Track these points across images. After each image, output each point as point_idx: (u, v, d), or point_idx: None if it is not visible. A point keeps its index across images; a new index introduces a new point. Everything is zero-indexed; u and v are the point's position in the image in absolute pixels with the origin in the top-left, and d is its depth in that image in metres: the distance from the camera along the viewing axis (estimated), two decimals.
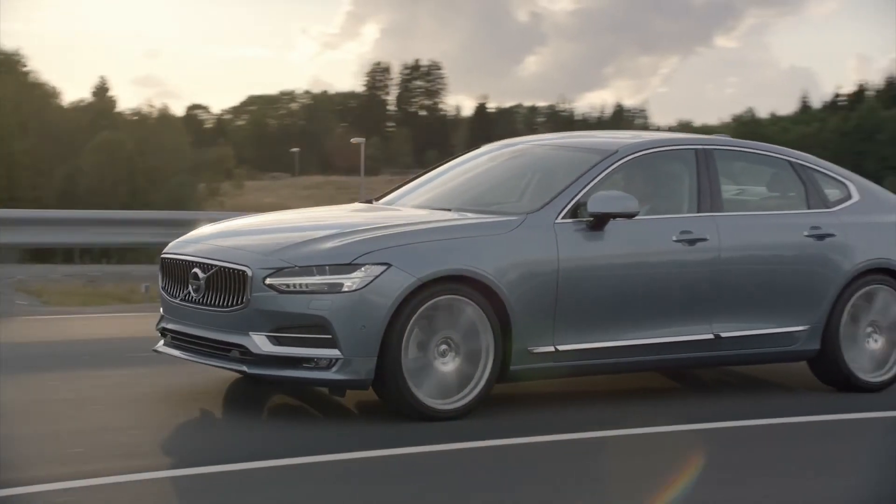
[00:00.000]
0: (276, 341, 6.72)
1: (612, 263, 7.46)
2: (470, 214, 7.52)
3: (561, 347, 7.25)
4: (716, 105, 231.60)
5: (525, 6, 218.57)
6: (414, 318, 6.75)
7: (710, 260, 7.80)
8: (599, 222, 7.38)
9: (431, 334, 6.85)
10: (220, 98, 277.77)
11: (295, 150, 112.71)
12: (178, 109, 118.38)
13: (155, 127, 79.14)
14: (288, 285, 6.70)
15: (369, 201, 8.76)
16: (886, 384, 8.41)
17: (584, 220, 7.37)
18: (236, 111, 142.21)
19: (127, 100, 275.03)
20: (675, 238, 7.70)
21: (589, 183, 7.53)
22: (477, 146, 9.05)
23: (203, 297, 7.02)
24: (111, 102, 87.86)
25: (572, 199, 7.43)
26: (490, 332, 6.98)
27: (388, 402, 6.90)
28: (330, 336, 6.64)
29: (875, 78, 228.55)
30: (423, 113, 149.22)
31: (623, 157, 7.78)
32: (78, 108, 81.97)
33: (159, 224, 14.58)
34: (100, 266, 34.05)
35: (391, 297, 6.67)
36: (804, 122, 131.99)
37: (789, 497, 5.69)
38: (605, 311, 7.41)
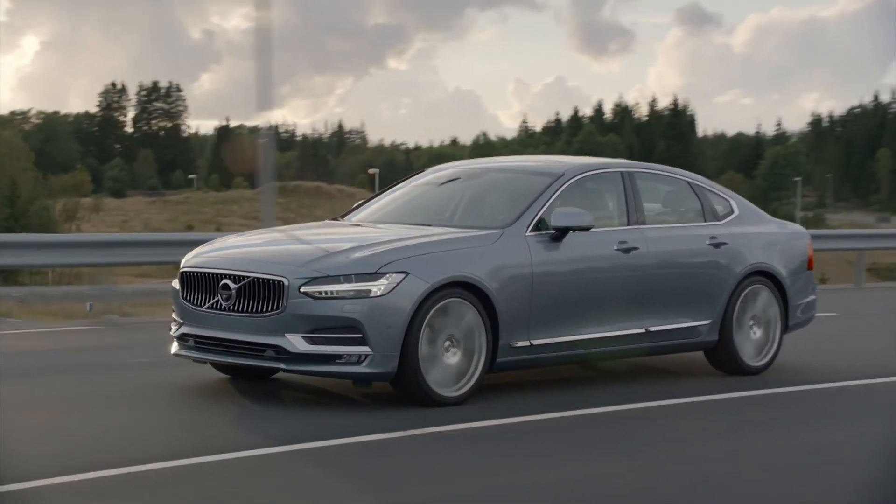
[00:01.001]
0: (312, 341, 7.51)
1: (571, 269, 8.54)
2: (453, 229, 8.44)
3: (535, 342, 8.28)
4: (391, 126, 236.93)
5: (197, 23, 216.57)
6: (427, 319, 7.67)
7: (641, 266, 8.97)
8: (560, 234, 8.45)
9: (439, 332, 7.76)
10: None
11: None
12: None
13: None
14: (321, 292, 7.51)
15: (335, 218, 9.56)
16: (765, 367, 9.76)
17: (548, 232, 8.43)
18: None
19: None
20: (615, 247, 8.85)
21: (547, 201, 8.59)
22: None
23: (234, 304, 7.70)
24: None
25: (536, 214, 8.48)
26: (483, 329, 7.95)
27: (402, 390, 7.77)
28: (361, 335, 7.48)
29: (533, 102, 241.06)
30: (161, 134, 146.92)
31: (569, 179, 8.88)
32: None
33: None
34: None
35: (411, 300, 7.57)
36: (531, 144, 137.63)
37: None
38: (567, 309, 8.48)
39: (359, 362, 7.52)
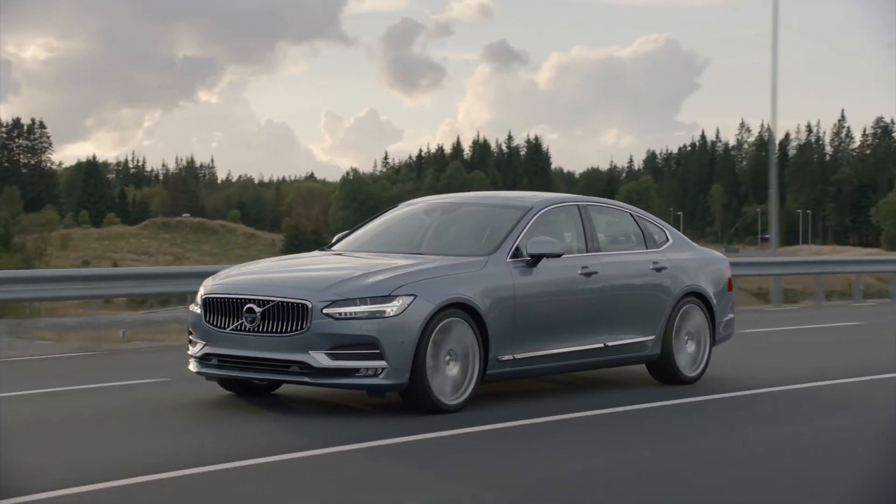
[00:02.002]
0: (333, 357, 8.24)
1: (545, 291, 9.42)
2: (442, 257, 9.22)
3: (517, 356, 9.12)
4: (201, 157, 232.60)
5: None
6: (433, 335, 8.46)
7: (599, 288, 9.89)
8: (535, 261, 9.32)
9: (441, 347, 8.55)
10: None
11: None
12: None
13: None
14: (341, 313, 8.26)
15: (322, 248, 10.27)
16: (698, 377, 10.73)
17: (524, 259, 9.29)
18: None
19: None
20: (579, 272, 9.75)
21: (521, 231, 9.46)
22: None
23: (259, 325, 8.37)
24: None
25: (514, 243, 9.34)
26: (477, 345, 8.76)
27: (411, 400, 8.52)
28: (378, 350, 8.24)
29: (346, 135, 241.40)
30: (25, 171, 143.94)
31: (538, 212, 9.76)
32: None
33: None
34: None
35: (419, 319, 8.37)
36: (399, 181, 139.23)
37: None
38: (542, 327, 9.34)
39: (376, 375, 8.27)
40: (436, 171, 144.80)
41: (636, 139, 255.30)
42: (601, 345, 9.89)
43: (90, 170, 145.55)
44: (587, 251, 10.02)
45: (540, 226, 9.69)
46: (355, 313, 8.28)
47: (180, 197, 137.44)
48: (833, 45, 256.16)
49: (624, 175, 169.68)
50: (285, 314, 8.36)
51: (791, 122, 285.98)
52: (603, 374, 10.94)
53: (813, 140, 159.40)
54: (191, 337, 9.01)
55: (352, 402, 9.09)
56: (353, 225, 11.44)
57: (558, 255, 9.41)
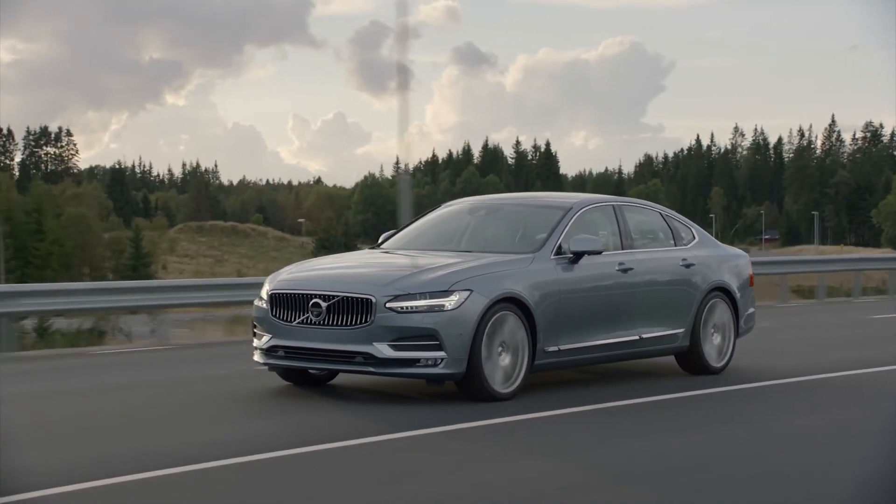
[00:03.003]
0: (396, 348, 8.62)
1: (587, 286, 9.77)
2: (487, 254, 9.57)
3: (562, 347, 9.50)
4: (170, 159, 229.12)
5: None
6: (487, 328, 8.82)
7: (635, 283, 10.26)
8: (577, 258, 9.69)
9: (494, 339, 8.91)
10: None
11: None
12: None
13: None
14: (403, 307, 8.63)
15: (372, 247, 10.64)
16: (723, 368, 11.10)
17: (567, 256, 9.67)
18: None
19: None
20: (616, 268, 10.12)
21: (563, 230, 9.83)
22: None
23: (324, 319, 8.76)
24: None
25: (557, 241, 9.72)
26: (526, 337, 9.13)
27: (467, 388, 8.88)
28: (437, 342, 8.61)
29: (313, 138, 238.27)
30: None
31: (577, 212, 10.13)
32: None
33: None
34: None
35: (475, 312, 8.74)
36: (419, 185, 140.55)
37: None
38: (584, 319, 9.69)
39: (435, 365, 8.65)
40: (451, 176, 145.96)
41: (604, 141, 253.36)
42: (637, 337, 10.26)
43: (116, 176, 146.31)
44: (622, 248, 10.38)
45: (579, 224, 10.05)
46: (416, 307, 8.65)
47: (204, 201, 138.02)
48: (806, 47, 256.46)
49: (615, 177, 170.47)
50: (350, 308, 8.73)
51: (770, 122, 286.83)
52: (631, 364, 11.30)
53: (805, 144, 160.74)
54: (255, 330, 9.38)
55: (406, 391, 9.45)
56: (374, 228, 11.84)
57: (599, 252, 9.78)
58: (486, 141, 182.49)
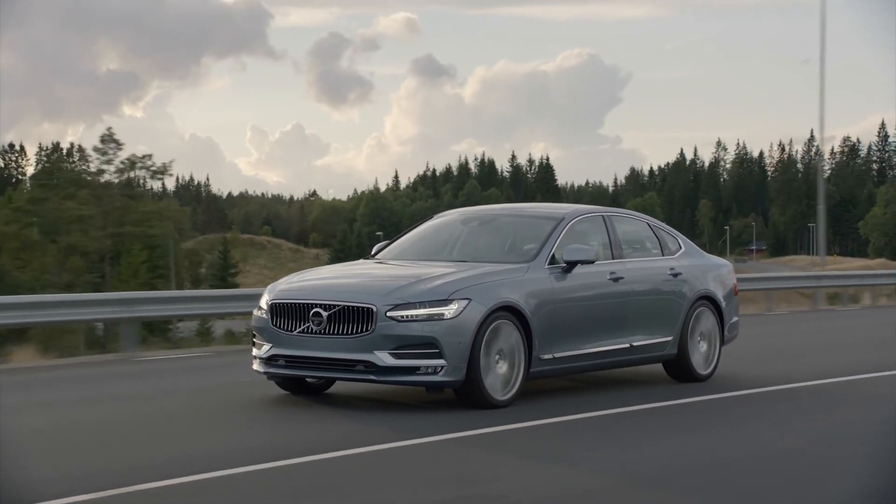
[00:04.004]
0: (397, 356, 8.66)
1: (580, 295, 9.83)
2: (481, 264, 9.59)
3: (556, 355, 9.56)
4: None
5: None
6: (485, 336, 8.89)
7: (626, 292, 10.32)
8: (570, 267, 9.76)
9: (491, 347, 8.97)
10: None
11: None
12: None
13: None
14: (404, 316, 8.69)
15: (366, 258, 10.67)
16: (709, 376, 11.14)
17: (560, 265, 9.75)
18: None
19: None
20: (608, 277, 10.20)
21: (556, 240, 9.90)
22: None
23: (325, 328, 8.84)
24: None
25: (551, 251, 9.80)
26: (522, 345, 9.20)
27: (465, 395, 8.92)
28: (437, 350, 8.67)
29: (271, 149, 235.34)
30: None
31: (569, 222, 10.19)
32: None
33: None
34: None
35: (474, 321, 8.80)
36: (422, 198, 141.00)
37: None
38: (577, 328, 9.74)
39: (435, 372, 8.69)
40: (453, 189, 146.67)
41: (563, 152, 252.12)
42: (627, 345, 10.33)
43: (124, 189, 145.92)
44: (612, 258, 10.43)
45: (571, 234, 10.09)
46: (416, 316, 8.70)
47: (213, 214, 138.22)
48: (760, 57, 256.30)
49: (591, 188, 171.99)
50: (351, 317, 8.76)
51: (726, 134, 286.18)
52: (619, 373, 11.34)
53: (786, 158, 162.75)
54: (255, 339, 9.39)
55: (403, 400, 9.46)
56: (380, 239, 11.92)
57: (591, 262, 9.86)
58: (483, 155, 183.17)
